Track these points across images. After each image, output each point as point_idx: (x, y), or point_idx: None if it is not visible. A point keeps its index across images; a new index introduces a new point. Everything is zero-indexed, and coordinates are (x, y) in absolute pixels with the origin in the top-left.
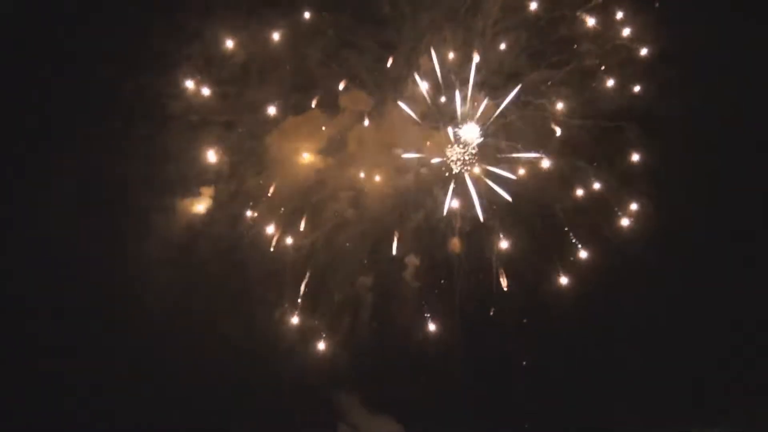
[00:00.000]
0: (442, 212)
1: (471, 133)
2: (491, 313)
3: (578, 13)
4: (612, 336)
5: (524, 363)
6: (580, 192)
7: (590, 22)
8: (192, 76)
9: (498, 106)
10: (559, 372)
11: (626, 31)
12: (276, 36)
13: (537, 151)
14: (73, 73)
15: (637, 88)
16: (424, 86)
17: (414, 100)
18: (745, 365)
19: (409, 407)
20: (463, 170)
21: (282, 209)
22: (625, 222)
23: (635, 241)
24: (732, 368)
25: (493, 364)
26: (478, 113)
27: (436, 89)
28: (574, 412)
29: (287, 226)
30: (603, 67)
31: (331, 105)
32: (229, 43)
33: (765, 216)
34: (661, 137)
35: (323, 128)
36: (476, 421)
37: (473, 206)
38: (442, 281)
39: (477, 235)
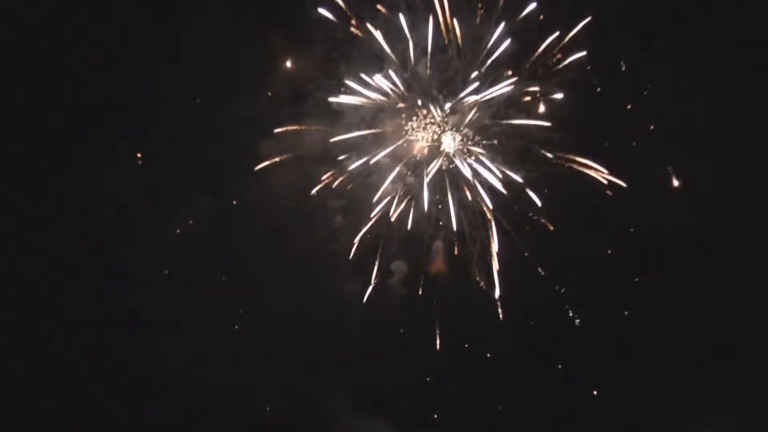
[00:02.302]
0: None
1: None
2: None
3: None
4: (609, 336)
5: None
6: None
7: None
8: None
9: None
10: (556, 373)
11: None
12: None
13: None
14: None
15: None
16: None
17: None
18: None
19: (401, 409)
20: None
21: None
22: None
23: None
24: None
25: (484, 366)
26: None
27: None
28: (572, 413)
29: (280, 233)
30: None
31: (323, 114)
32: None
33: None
34: None
35: (315, 137)
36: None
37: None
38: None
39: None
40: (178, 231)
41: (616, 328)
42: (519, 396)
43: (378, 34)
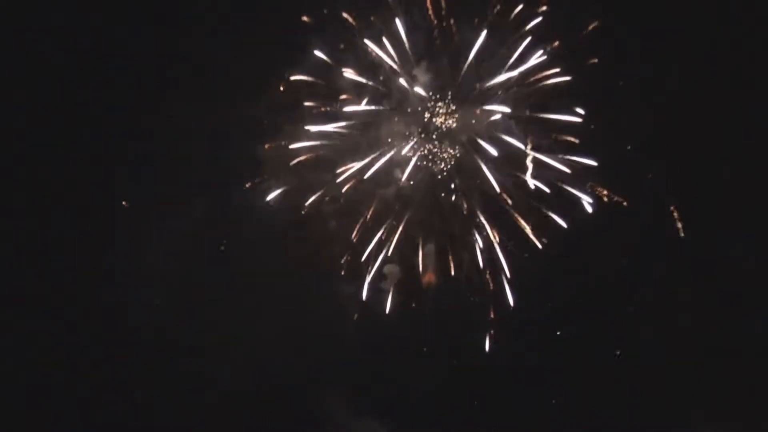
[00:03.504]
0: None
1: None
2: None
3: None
4: (607, 335)
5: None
6: None
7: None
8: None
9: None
10: (551, 374)
11: None
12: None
13: None
14: None
15: None
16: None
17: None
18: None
19: (396, 410)
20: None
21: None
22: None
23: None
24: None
25: (478, 367)
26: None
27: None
28: (569, 414)
29: (275, 237)
30: None
31: (321, 119)
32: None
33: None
34: None
35: (311, 144)
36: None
37: None
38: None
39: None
40: (176, 234)
41: (612, 332)
42: (517, 398)
43: (371, 44)
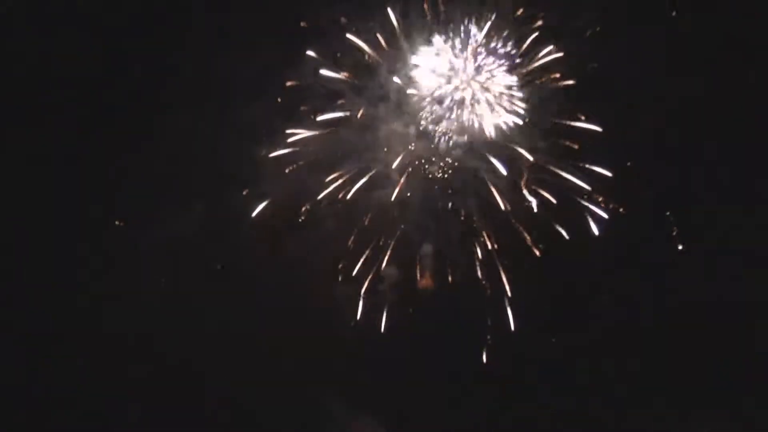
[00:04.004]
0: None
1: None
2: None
3: None
4: (605, 334)
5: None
6: None
7: None
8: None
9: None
10: (550, 375)
11: None
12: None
13: None
14: None
15: None
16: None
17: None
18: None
19: (395, 410)
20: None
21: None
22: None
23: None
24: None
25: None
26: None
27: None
28: (569, 415)
29: (273, 238)
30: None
31: (314, 125)
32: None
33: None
34: None
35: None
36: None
37: None
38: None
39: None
40: (173, 237)
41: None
42: (516, 398)
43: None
